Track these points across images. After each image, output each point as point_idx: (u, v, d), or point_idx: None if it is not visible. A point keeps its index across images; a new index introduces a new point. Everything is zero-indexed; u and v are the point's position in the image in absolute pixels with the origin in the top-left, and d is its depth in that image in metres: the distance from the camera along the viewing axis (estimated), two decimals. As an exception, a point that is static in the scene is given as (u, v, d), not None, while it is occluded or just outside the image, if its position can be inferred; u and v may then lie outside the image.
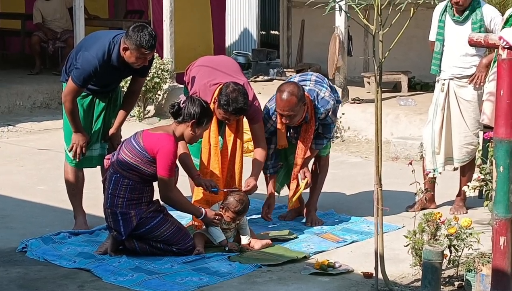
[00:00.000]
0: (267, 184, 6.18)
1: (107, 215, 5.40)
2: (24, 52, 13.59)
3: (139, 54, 5.56)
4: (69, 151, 5.88)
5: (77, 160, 5.88)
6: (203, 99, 5.48)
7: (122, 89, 6.34)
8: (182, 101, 5.37)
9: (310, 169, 6.20)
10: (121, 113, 6.00)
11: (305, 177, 6.06)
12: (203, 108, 5.35)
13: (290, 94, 5.73)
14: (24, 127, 10.08)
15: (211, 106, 5.63)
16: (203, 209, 5.50)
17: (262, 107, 6.02)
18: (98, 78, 5.70)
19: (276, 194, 6.27)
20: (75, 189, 6.03)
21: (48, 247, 5.56)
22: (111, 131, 5.97)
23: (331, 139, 6.27)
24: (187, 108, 5.32)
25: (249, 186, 5.72)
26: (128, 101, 6.07)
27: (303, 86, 5.90)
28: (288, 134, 6.10)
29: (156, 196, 5.48)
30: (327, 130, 6.09)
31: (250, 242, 5.60)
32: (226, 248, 5.50)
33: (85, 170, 6.06)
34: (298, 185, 6.12)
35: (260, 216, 6.38)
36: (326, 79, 6.22)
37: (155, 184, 5.41)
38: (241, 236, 5.65)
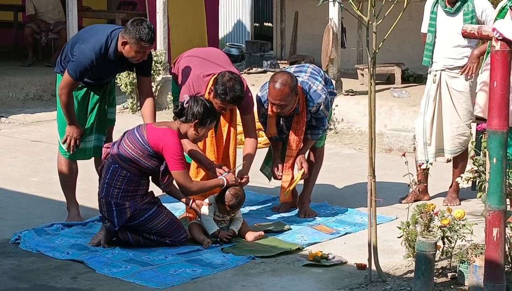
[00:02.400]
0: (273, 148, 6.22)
1: (101, 204, 5.39)
2: (17, 44, 13.55)
3: (139, 48, 5.54)
4: (63, 143, 5.86)
5: (71, 152, 5.87)
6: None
7: (116, 81, 6.31)
8: (185, 101, 5.36)
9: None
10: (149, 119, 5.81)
11: (302, 167, 6.06)
12: (206, 108, 5.35)
13: (283, 84, 5.73)
14: (17, 119, 10.06)
15: (206, 96, 5.63)
16: (223, 178, 5.52)
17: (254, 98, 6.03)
18: (94, 71, 5.68)
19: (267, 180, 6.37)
20: (68, 180, 6.02)
21: (41, 238, 5.56)
22: None
23: (326, 130, 6.26)
24: (190, 108, 5.32)
25: (243, 178, 5.72)
26: (147, 105, 5.80)
27: (297, 77, 5.90)
28: (280, 123, 6.11)
29: (151, 188, 5.48)
30: (320, 123, 6.08)
31: (237, 230, 5.62)
32: (218, 239, 5.51)
33: (78, 161, 6.04)
34: (292, 176, 6.11)
35: (254, 208, 6.39)
36: (322, 71, 6.20)
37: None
38: (232, 227, 5.66)
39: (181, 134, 5.36)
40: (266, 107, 6.01)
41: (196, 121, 5.32)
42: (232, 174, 5.58)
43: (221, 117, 5.86)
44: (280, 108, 5.83)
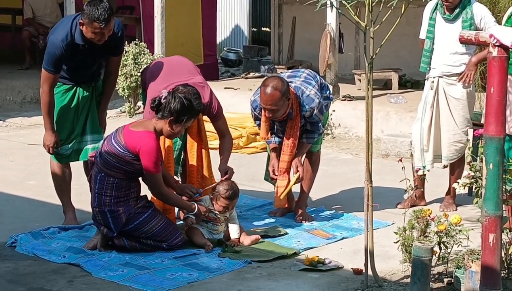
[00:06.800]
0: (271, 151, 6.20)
1: (95, 214, 5.39)
2: (15, 47, 13.55)
3: (94, 28, 5.50)
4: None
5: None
6: (188, 95, 5.34)
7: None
8: (163, 97, 5.26)
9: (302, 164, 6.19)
10: (103, 97, 5.96)
11: (297, 171, 6.06)
12: (184, 105, 5.24)
13: (274, 89, 5.73)
14: (14, 122, 10.06)
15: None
16: (195, 204, 5.51)
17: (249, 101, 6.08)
18: (69, 61, 5.65)
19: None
20: (62, 184, 6.01)
21: (37, 242, 5.55)
22: None
23: (322, 134, 6.26)
24: (167, 104, 5.23)
25: (226, 173, 5.72)
26: (106, 82, 5.98)
27: (290, 83, 5.90)
28: (275, 129, 6.11)
29: (144, 191, 5.48)
30: (315, 127, 6.08)
31: (240, 236, 5.60)
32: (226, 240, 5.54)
33: (73, 165, 6.02)
34: (289, 181, 6.10)
35: (250, 212, 6.39)
36: (318, 76, 6.19)
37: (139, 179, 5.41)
38: (230, 229, 5.66)
39: (158, 132, 5.31)
40: (258, 111, 6.02)
41: (171, 118, 5.25)
42: (202, 206, 5.53)
43: (189, 137, 5.81)
44: (272, 113, 5.83)
